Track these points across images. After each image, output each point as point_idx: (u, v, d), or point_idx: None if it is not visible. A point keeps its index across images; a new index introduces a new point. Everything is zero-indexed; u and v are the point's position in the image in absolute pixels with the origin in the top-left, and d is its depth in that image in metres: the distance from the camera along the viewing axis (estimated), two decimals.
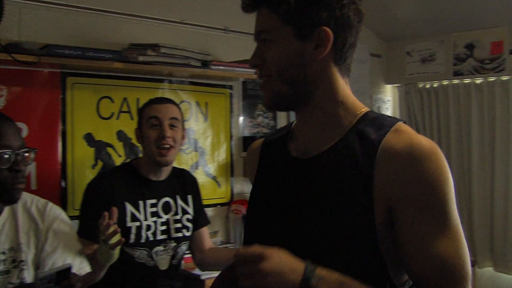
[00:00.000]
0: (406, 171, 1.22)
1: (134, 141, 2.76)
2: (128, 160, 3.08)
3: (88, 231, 2.41)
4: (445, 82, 4.63)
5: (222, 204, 3.84)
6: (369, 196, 1.23)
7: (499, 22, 4.23)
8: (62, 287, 1.74)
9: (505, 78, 4.29)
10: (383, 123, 1.31)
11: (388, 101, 5.18)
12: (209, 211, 3.72)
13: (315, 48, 1.29)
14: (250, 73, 3.65)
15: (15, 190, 1.90)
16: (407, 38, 4.89)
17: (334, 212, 1.27)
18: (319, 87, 1.32)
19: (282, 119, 4.22)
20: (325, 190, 1.29)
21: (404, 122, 1.35)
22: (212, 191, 3.78)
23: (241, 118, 3.96)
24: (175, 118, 2.61)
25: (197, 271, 3.09)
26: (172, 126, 2.59)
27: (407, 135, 1.28)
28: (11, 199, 1.92)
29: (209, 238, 2.90)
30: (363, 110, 1.37)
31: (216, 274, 1.33)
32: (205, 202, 3.67)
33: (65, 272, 1.76)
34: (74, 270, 1.96)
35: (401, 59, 4.97)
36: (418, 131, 4.77)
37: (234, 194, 3.91)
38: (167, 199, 2.67)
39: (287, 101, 1.36)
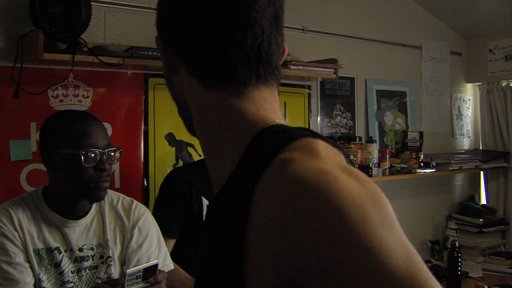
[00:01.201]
0: (286, 230, 0.76)
1: None
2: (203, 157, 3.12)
3: (166, 227, 2.46)
4: None
5: None
6: (239, 271, 0.80)
7: None
8: (149, 283, 1.79)
9: None
10: (271, 147, 0.86)
11: (469, 101, 5.05)
12: None
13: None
14: (328, 72, 3.63)
15: (100, 188, 1.95)
16: (489, 34, 4.74)
17: (206, 283, 0.93)
18: (191, 109, 1.01)
19: (361, 119, 4.18)
20: (208, 250, 0.93)
21: (316, 135, 0.89)
22: None
23: (319, 118, 3.94)
24: None
25: None
26: None
27: (292, 166, 0.80)
28: (96, 197, 1.97)
29: None
30: (259, 127, 0.92)
31: None
32: None
33: (152, 269, 1.81)
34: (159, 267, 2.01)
35: (483, 56, 4.82)
36: (500, 132, 4.63)
37: None
38: None
39: (190, 128, 1.06)
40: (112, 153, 1.98)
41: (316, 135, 0.88)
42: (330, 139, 0.91)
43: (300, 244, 0.74)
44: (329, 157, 0.83)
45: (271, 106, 0.96)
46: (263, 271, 0.78)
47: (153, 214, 2.57)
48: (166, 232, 2.44)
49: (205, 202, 2.58)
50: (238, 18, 0.90)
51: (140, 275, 1.78)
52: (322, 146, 0.85)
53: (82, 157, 1.87)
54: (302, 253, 0.74)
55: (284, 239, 0.75)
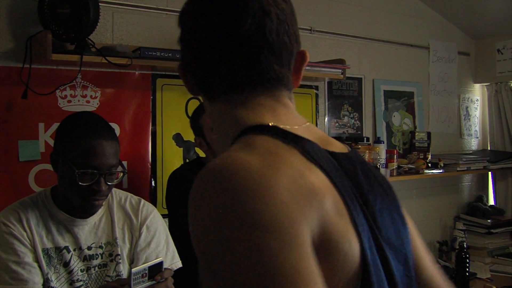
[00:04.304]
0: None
1: None
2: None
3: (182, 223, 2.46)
4: None
5: None
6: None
7: None
8: (155, 281, 1.80)
9: None
10: (230, 145, 1.02)
11: (477, 101, 5.03)
12: None
13: None
14: (335, 73, 3.63)
15: (92, 205, 1.95)
16: (498, 35, 4.73)
17: None
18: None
19: (368, 120, 4.18)
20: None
21: (267, 128, 0.99)
22: None
23: (326, 119, 3.94)
24: None
25: None
26: None
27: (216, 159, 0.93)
28: (86, 212, 1.98)
29: None
30: (240, 129, 1.03)
31: None
32: None
33: (158, 266, 1.82)
34: (166, 265, 2.01)
35: (491, 57, 4.81)
36: (509, 132, 4.61)
37: None
38: None
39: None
40: (112, 176, 1.97)
41: (266, 132, 0.97)
42: (293, 136, 0.98)
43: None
44: (259, 149, 0.90)
45: (266, 109, 1.05)
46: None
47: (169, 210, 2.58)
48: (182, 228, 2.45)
49: None
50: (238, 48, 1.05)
51: (146, 273, 1.78)
52: (260, 141, 0.93)
53: (78, 176, 1.86)
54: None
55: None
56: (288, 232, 0.78)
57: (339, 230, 0.87)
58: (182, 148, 3.24)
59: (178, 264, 2.16)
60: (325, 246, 0.85)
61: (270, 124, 1.00)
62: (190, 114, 3.22)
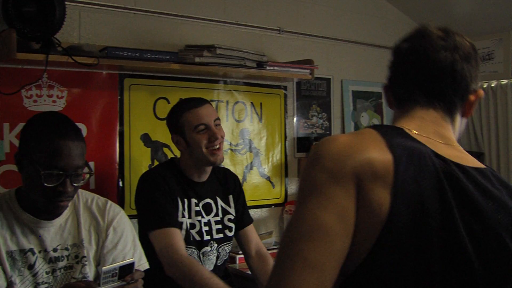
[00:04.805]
0: None
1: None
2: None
3: (163, 218, 2.44)
4: (504, 82, 4.52)
5: (276, 205, 3.84)
6: None
7: None
8: (125, 281, 1.78)
9: None
10: None
11: None
12: (263, 212, 3.74)
13: None
14: (304, 73, 3.65)
15: (57, 207, 1.93)
16: (463, 36, 4.79)
17: None
18: None
19: (337, 120, 4.20)
20: None
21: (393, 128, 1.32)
22: (266, 191, 3.78)
23: (295, 119, 3.96)
24: (218, 119, 2.66)
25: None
26: (216, 126, 2.63)
27: None
28: (51, 214, 1.95)
29: (256, 236, 2.86)
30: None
31: None
32: (259, 203, 3.70)
33: (129, 267, 1.80)
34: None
35: None
36: (475, 133, 4.68)
37: (288, 194, 3.90)
38: (208, 200, 2.69)
39: None
40: (78, 178, 1.93)
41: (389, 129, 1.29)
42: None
43: None
44: (355, 133, 1.27)
45: (414, 120, 1.33)
46: None
47: (142, 212, 2.55)
48: (166, 224, 2.43)
49: (179, 202, 2.57)
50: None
51: (116, 273, 1.76)
52: (366, 129, 1.26)
53: (43, 177, 1.83)
54: None
55: None
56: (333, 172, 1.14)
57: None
58: (150, 149, 3.22)
59: (145, 265, 2.15)
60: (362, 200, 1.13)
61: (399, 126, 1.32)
62: (158, 115, 3.21)
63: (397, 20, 4.63)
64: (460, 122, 1.40)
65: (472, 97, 1.37)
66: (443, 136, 1.31)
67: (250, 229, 2.84)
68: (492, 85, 4.59)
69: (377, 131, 1.22)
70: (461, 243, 1.15)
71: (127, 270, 1.79)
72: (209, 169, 2.70)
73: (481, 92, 1.40)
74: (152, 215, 2.48)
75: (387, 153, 1.16)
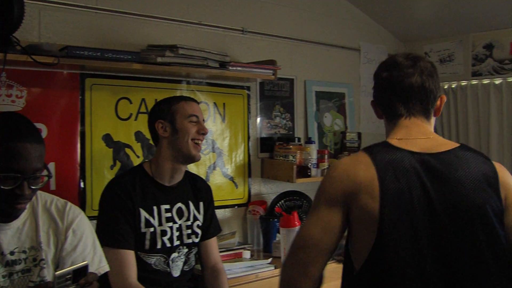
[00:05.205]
0: None
1: (152, 142, 2.76)
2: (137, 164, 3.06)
3: (115, 238, 2.43)
4: (464, 83, 4.61)
5: (239, 205, 3.85)
6: None
7: None
8: (79, 285, 1.75)
9: None
10: None
11: None
12: (226, 212, 3.74)
13: None
14: (267, 74, 3.65)
15: (15, 209, 1.88)
16: (425, 38, 4.87)
17: None
18: None
19: (300, 120, 4.22)
20: None
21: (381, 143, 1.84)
22: (229, 192, 3.78)
23: (258, 119, 3.96)
24: (204, 120, 2.75)
25: None
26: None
27: None
28: (9, 216, 1.91)
29: (216, 251, 2.86)
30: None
31: None
32: (222, 203, 3.69)
33: (82, 270, 1.77)
34: (93, 269, 1.97)
35: None
36: (442, 133, 4.75)
37: (252, 195, 3.91)
38: (180, 204, 2.68)
39: None
40: (35, 180, 1.90)
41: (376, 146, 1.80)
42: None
43: None
44: (351, 156, 1.82)
45: (402, 130, 1.80)
46: None
47: (100, 228, 2.50)
48: (115, 244, 2.42)
49: (142, 213, 2.54)
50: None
51: (70, 277, 1.73)
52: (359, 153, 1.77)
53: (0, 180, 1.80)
54: None
55: None
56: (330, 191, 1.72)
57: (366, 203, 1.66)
58: (112, 149, 3.19)
59: (106, 267, 2.12)
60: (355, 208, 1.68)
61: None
62: (120, 115, 3.19)
63: (360, 22, 4.67)
64: (434, 120, 1.87)
65: (438, 102, 1.85)
66: (424, 133, 1.79)
67: (213, 242, 2.85)
68: (453, 86, 4.67)
69: (367, 153, 1.72)
70: (432, 203, 1.63)
71: (81, 273, 1.76)
72: (183, 169, 2.69)
73: (444, 97, 1.88)
74: (106, 232, 2.46)
75: (373, 169, 1.66)
